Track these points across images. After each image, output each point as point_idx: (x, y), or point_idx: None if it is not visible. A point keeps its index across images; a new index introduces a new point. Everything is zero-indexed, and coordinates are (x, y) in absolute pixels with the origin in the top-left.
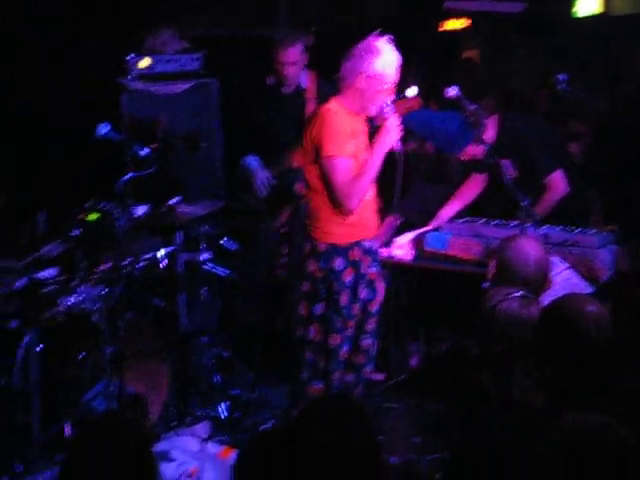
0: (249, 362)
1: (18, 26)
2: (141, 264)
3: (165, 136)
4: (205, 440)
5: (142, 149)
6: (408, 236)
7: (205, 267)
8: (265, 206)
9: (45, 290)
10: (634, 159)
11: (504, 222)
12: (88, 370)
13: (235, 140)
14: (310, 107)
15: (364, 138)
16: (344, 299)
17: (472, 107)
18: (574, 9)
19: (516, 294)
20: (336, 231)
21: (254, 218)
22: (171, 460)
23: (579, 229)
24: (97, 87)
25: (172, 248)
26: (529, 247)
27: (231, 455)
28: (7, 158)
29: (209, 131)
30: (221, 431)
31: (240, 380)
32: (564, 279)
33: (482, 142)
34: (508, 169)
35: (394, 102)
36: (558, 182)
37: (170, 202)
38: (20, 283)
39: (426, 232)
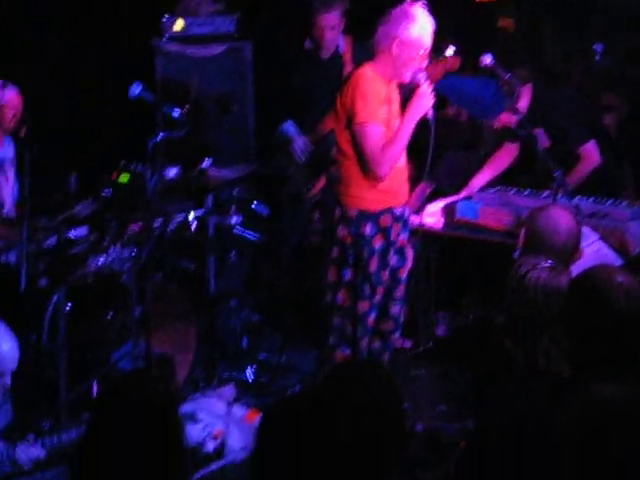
0: (277, 326)
1: None
2: (171, 226)
3: (197, 98)
4: (231, 403)
5: (174, 110)
6: (439, 204)
7: (235, 231)
8: (303, 172)
9: (75, 250)
10: None
11: (536, 192)
12: (116, 330)
13: (271, 105)
14: (347, 71)
15: (397, 105)
16: (373, 265)
17: (506, 76)
18: None
19: (546, 264)
20: (367, 197)
21: (285, 183)
22: (197, 421)
23: (611, 201)
24: (131, 48)
25: (202, 211)
26: (560, 217)
27: (257, 419)
28: (41, 117)
29: (242, 95)
30: (248, 394)
31: (268, 344)
32: (594, 250)
33: (516, 111)
34: (541, 139)
35: (433, 63)
36: (591, 153)
37: (201, 165)
38: (51, 241)
39: (457, 201)
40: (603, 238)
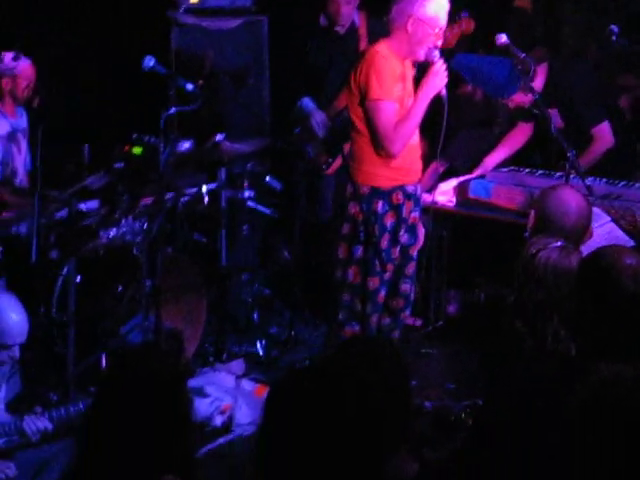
0: (288, 301)
1: None
2: (184, 199)
3: (212, 71)
4: (240, 377)
5: (188, 84)
6: (452, 182)
7: (247, 205)
8: (321, 147)
9: (86, 221)
10: None
11: (549, 172)
12: (126, 303)
13: (287, 80)
14: (362, 47)
15: (411, 83)
16: (384, 242)
17: (522, 55)
18: None
19: (556, 244)
20: (379, 174)
21: (299, 158)
22: (205, 396)
23: (624, 182)
24: (147, 20)
25: (215, 185)
26: (570, 197)
27: (265, 393)
28: (54, 89)
29: (257, 69)
30: (257, 369)
31: (278, 319)
32: (606, 231)
33: (530, 90)
34: (555, 119)
35: (449, 27)
36: (604, 134)
37: (215, 138)
38: (62, 213)
39: (470, 179)
40: (615, 220)
